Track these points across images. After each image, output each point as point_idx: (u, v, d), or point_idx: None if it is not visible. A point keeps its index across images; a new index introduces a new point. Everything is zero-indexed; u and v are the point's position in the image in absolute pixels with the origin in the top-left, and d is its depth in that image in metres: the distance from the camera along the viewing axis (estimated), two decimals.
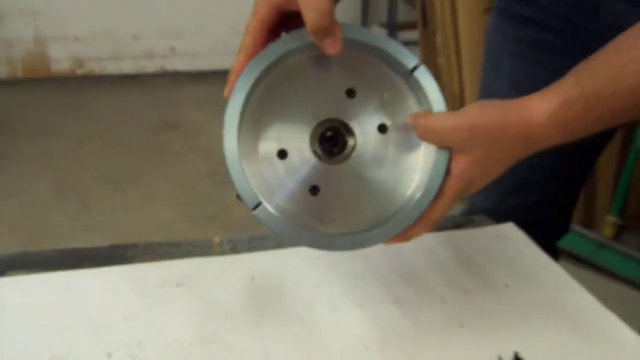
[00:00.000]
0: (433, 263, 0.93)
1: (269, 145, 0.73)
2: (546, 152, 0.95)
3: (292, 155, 0.73)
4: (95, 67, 3.93)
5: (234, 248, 0.95)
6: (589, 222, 2.55)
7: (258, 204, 0.71)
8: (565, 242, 2.37)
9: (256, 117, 0.72)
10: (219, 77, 0.66)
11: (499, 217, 1.05)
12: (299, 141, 0.73)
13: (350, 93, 0.74)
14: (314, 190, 0.74)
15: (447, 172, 0.71)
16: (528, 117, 0.69)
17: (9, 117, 3.37)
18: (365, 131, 0.74)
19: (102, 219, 2.57)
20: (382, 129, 0.74)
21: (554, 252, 1.19)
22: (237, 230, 2.52)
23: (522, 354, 0.75)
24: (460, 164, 0.71)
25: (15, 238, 2.45)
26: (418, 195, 0.72)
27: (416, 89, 0.74)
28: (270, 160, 0.73)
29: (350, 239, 0.74)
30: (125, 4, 3.81)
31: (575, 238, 2.44)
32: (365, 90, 0.74)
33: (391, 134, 0.74)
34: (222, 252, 0.94)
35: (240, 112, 0.70)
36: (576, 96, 0.68)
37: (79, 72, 3.92)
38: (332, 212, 0.75)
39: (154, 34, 3.90)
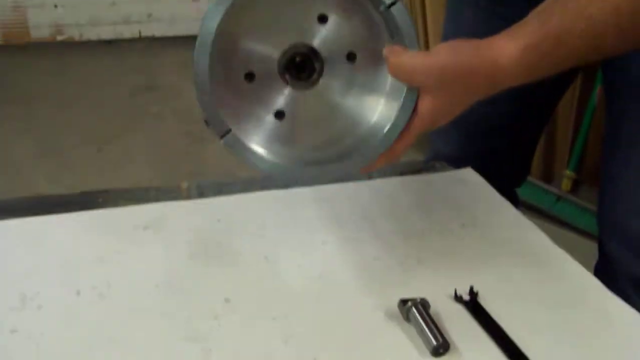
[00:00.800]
0: (394, 206, 0.92)
1: (237, 68, 0.70)
2: (505, 99, 0.94)
3: (260, 79, 0.70)
4: (75, 33, 3.86)
5: (202, 193, 0.94)
6: (548, 177, 2.55)
7: (227, 131, 0.69)
8: (525, 195, 2.39)
9: (227, 41, 0.68)
10: (194, 42, 0.63)
11: (459, 163, 1.04)
12: (267, 64, 0.70)
13: (322, 19, 0.71)
14: (280, 115, 0.71)
15: (414, 111, 0.69)
16: (495, 59, 0.68)
17: None
18: (334, 58, 0.71)
19: (82, 179, 2.54)
20: (351, 57, 0.72)
21: (513, 199, 1.19)
22: None
23: (476, 288, 0.74)
24: (427, 104, 0.69)
25: None
26: (385, 130, 0.70)
27: (391, 24, 0.70)
28: (238, 84, 0.70)
29: (318, 169, 0.72)
30: None
31: (534, 191, 2.45)
32: (337, 17, 0.71)
33: (359, 64, 0.72)
34: (189, 197, 0.93)
35: (212, 38, 0.66)
36: (541, 38, 0.67)
37: (59, 38, 3.84)
38: (298, 137, 0.73)
39: (131, 0, 3.83)
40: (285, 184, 0.94)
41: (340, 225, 0.86)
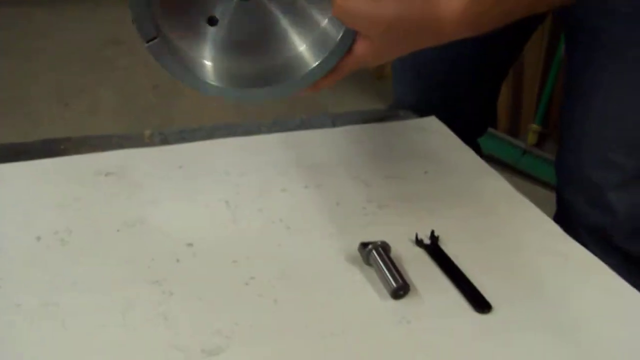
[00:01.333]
0: (357, 153, 0.92)
1: None
2: (467, 47, 0.93)
3: None
4: None
5: (165, 140, 0.93)
6: (515, 131, 2.57)
7: (154, 37, 0.63)
8: (491, 149, 2.41)
9: None
10: None
11: (423, 112, 1.04)
12: None
13: None
14: (212, 20, 0.67)
15: (349, 50, 0.67)
16: (440, 14, 0.66)
17: None
18: None
19: (48, 132, 2.49)
20: None
21: (476, 148, 1.19)
22: None
23: (437, 233, 0.74)
24: (365, 48, 0.67)
25: None
26: (317, 62, 0.67)
27: None
28: None
29: (243, 91, 0.68)
30: None
31: (500, 145, 2.47)
32: None
33: None
34: (153, 144, 0.92)
35: None
36: None
37: None
38: (229, 48, 0.69)
39: None
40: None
41: (302, 171, 0.86)
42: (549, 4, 0.70)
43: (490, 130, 2.47)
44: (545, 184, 2.26)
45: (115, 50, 3.14)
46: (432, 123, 1.01)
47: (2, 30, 3.28)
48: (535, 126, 2.47)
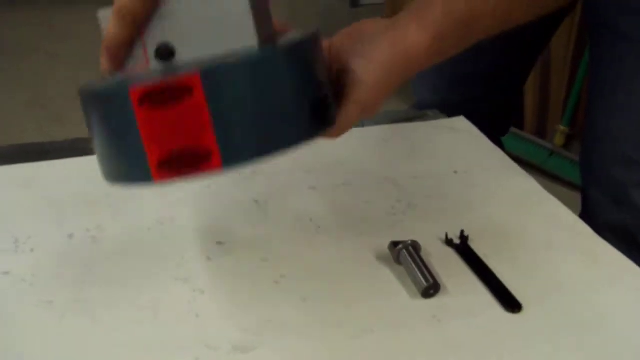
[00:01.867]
0: (385, 152, 0.92)
1: None
2: (489, 48, 0.93)
3: None
4: None
5: None
6: (542, 132, 2.56)
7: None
8: (518, 150, 2.41)
9: None
10: None
11: (446, 111, 1.04)
12: None
13: None
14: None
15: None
16: (407, 52, 0.65)
17: None
18: None
19: (74, 133, 2.51)
20: None
21: (500, 146, 1.19)
22: None
23: (467, 232, 0.75)
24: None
25: None
26: None
27: None
28: None
29: None
30: None
31: (527, 146, 2.46)
32: None
33: None
34: None
35: None
36: (449, 26, 0.65)
37: None
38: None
39: None
40: None
41: (331, 170, 0.87)
42: (515, 23, 0.69)
43: (517, 131, 2.47)
44: (572, 186, 2.25)
45: None
46: (461, 123, 1.01)
47: (25, 33, 3.32)
48: (562, 127, 2.46)
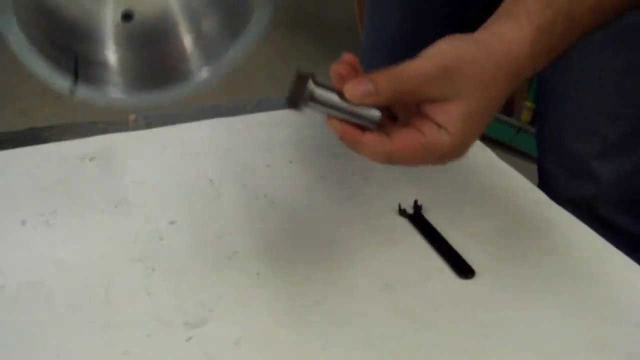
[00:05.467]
0: None
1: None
2: (435, 23, 0.92)
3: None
4: None
5: (149, 124, 0.93)
6: (509, 109, 2.57)
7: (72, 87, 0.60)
8: (486, 129, 2.41)
9: None
10: None
11: None
12: None
13: None
14: (127, 17, 0.60)
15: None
16: (511, 50, 0.57)
17: None
18: None
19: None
20: None
21: None
22: None
23: (421, 202, 0.75)
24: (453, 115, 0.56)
25: None
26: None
27: None
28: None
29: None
30: None
31: (494, 124, 2.47)
32: None
33: None
34: (137, 128, 0.92)
35: None
36: (551, 18, 0.57)
37: None
38: (149, 37, 0.61)
39: None
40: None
41: (287, 148, 0.86)
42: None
43: None
44: None
45: None
46: None
47: None
48: (528, 104, 2.46)
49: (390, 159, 0.56)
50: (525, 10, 0.57)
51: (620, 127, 0.90)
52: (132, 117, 0.94)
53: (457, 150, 0.57)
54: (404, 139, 0.55)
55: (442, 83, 0.54)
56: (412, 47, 1.07)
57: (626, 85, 0.88)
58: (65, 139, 0.90)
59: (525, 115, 2.47)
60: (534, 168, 1.03)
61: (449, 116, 0.55)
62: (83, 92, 0.59)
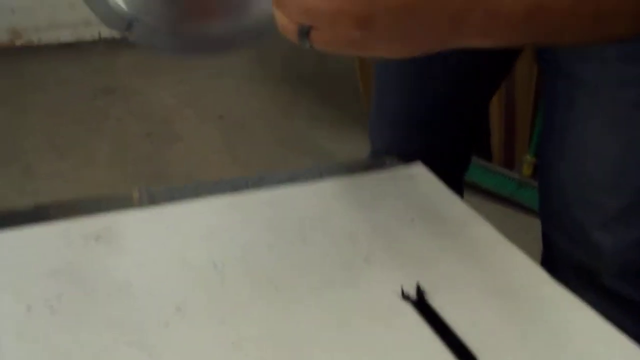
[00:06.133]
0: (343, 205, 0.93)
1: None
2: (437, 92, 0.93)
3: None
4: (34, 37, 3.83)
5: (153, 199, 0.94)
6: (510, 163, 2.59)
7: (129, 25, 0.61)
8: (487, 183, 2.43)
9: None
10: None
11: (405, 157, 1.05)
12: None
13: None
14: None
15: None
16: None
17: None
18: None
19: (45, 185, 2.53)
20: None
21: (459, 185, 1.21)
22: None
23: (424, 286, 0.76)
24: None
25: None
26: None
27: None
28: None
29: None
30: None
31: (496, 178, 2.48)
32: None
33: None
34: (141, 205, 0.93)
35: None
36: None
37: (18, 42, 3.81)
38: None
39: None
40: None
41: (289, 228, 0.87)
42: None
43: (485, 163, 2.50)
44: None
45: (108, 99, 3.18)
46: (418, 169, 1.02)
47: None
48: (529, 158, 2.48)
49: None
50: None
51: (621, 199, 0.91)
52: (136, 193, 0.95)
53: None
54: None
55: None
56: (415, 121, 1.10)
57: (628, 160, 0.90)
58: (70, 217, 0.91)
59: (527, 169, 2.49)
60: (535, 222, 1.04)
61: None
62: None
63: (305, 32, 0.54)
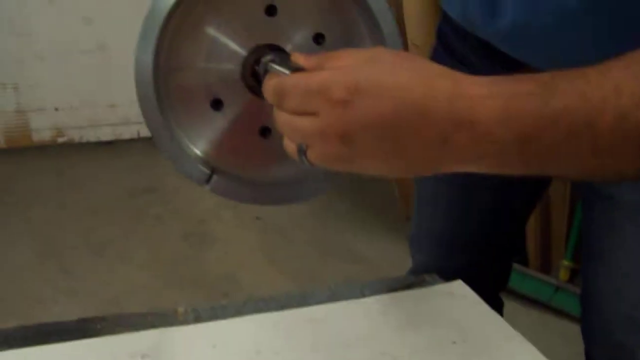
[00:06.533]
0: (385, 324, 0.94)
1: (199, 98, 0.62)
2: (478, 216, 0.95)
3: (229, 101, 0.63)
4: (75, 135, 3.93)
5: (198, 317, 0.96)
6: (546, 268, 2.57)
7: (209, 177, 0.63)
8: (523, 288, 2.41)
9: (173, 74, 0.61)
10: None
11: (446, 272, 1.06)
12: (231, 82, 0.62)
13: (271, 10, 0.62)
14: (265, 132, 0.64)
15: None
16: (453, 80, 0.56)
17: None
18: (299, 47, 0.63)
19: (81, 284, 2.56)
20: (319, 38, 0.64)
21: (498, 301, 1.21)
22: (211, 289, 2.51)
23: None
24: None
25: None
26: None
27: (359, 3, 0.61)
28: (205, 115, 0.63)
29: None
30: (102, 75, 3.83)
31: (533, 283, 2.47)
32: (288, 2, 0.62)
33: (330, 45, 0.63)
34: (185, 322, 0.95)
35: (154, 78, 0.59)
36: (528, 76, 0.56)
37: (60, 140, 3.91)
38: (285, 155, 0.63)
39: (130, 103, 3.92)
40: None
41: (332, 346, 0.88)
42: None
43: (522, 268, 2.48)
44: (579, 320, 2.24)
45: (147, 198, 3.23)
46: (459, 288, 1.03)
47: (38, 182, 3.40)
48: (566, 262, 2.47)
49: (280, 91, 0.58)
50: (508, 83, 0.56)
51: None
52: (181, 310, 0.97)
53: (337, 77, 0.56)
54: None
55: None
56: (457, 240, 1.11)
57: None
58: (116, 332, 0.92)
59: (564, 274, 2.47)
60: (574, 328, 1.03)
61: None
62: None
63: (303, 151, 0.58)
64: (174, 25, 0.59)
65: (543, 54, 0.80)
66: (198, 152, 0.65)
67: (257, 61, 0.62)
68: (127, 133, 3.98)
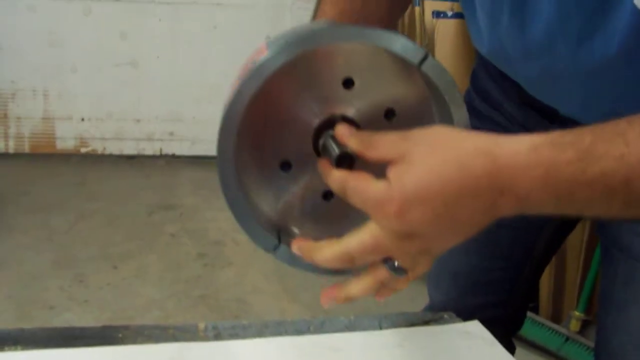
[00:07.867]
0: (402, 357, 0.95)
1: (269, 161, 0.65)
2: (499, 255, 0.97)
3: (297, 165, 0.66)
4: (98, 147, 3.98)
5: (218, 334, 0.98)
6: (557, 317, 2.57)
7: (276, 246, 0.67)
8: (533, 335, 2.41)
9: (249, 136, 0.63)
10: (214, 163, 0.60)
11: (460, 313, 1.08)
12: (301, 147, 0.65)
13: (348, 83, 0.65)
14: (327, 196, 0.67)
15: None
16: (493, 154, 0.60)
17: (13, 189, 3.39)
18: (371, 120, 0.66)
19: (95, 294, 2.58)
20: (390, 114, 0.67)
21: (510, 345, 1.22)
22: (223, 311, 2.52)
23: None
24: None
25: (10, 307, 2.46)
26: None
27: (428, 81, 0.64)
28: (273, 178, 0.66)
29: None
30: (131, 90, 3.89)
31: (543, 332, 2.47)
32: (364, 77, 0.65)
33: (400, 119, 0.66)
34: (206, 338, 0.96)
35: (234, 143, 0.61)
36: (568, 141, 0.60)
37: (83, 150, 3.96)
38: (346, 216, 0.66)
39: (155, 119, 3.97)
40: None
41: None
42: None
43: (533, 315, 2.48)
44: None
45: (163, 215, 3.26)
46: (475, 328, 1.05)
47: (59, 190, 3.43)
48: (577, 313, 2.47)
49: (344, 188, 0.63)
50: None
51: None
52: (202, 325, 0.99)
53: (394, 199, 0.60)
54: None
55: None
56: (475, 280, 1.12)
57: None
58: (137, 342, 0.94)
59: (574, 325, 2.47)
60: None
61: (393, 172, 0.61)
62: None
63: (392, 267, 0.65)
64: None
65: (575, 101, 0.83)
66: (266, 214, 0.68)
67: (322, 131, 0.66)
68: (150, 149, 4.02)
